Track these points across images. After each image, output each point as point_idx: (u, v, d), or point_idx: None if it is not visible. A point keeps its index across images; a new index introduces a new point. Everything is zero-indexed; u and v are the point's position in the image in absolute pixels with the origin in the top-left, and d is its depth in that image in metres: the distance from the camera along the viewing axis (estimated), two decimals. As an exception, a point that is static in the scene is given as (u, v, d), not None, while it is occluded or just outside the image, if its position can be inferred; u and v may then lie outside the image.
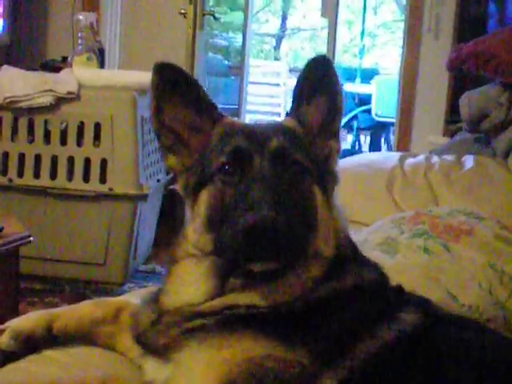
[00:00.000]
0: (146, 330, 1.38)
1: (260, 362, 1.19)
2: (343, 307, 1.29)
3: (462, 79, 4.91)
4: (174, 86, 1.40)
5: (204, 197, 1.34)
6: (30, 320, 1.51)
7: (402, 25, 9.62)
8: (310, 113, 1.40)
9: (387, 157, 3.13)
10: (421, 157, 2.99)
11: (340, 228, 1.39)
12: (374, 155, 4.32)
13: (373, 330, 1.27)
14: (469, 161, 2.86)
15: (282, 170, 1.29)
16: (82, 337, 1.53)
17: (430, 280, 1.83)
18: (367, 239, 2.07)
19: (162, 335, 1.32)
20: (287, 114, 1.45)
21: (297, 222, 1.24)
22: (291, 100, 1.44)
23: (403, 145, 5.58)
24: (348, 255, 1.38)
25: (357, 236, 2.08)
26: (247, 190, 1.24)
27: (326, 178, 1.38)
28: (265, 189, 1.23)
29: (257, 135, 1.34)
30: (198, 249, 1.36)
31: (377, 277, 1.40)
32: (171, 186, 1.49)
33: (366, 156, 4.22)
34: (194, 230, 1.36)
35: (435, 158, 2.94)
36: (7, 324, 1.51)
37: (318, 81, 1.37)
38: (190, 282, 1.35)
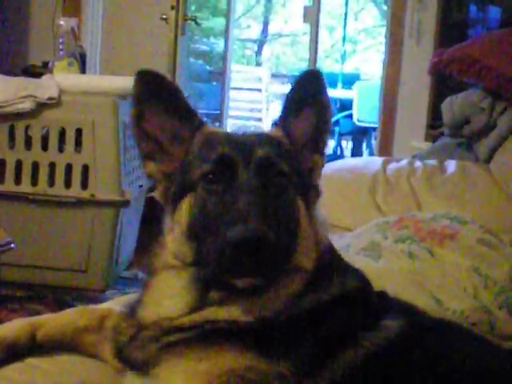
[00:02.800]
0: (125, 344, 1.36)
1: (241, 374, 1.18)
2: (325, 318, 1.28)
3: (443, 84, 4.93)
4: (155, 93, 1.38)
5: (185, 205, 1.31)
6: (13, 328, 1.49)
7: (383, 30, 9.67)
8: (298, 125, 1.40)
9: (370, 161, 3.13)
10: (403, 161, 2.99)
11: (321, 239, 1.37)
12: (357, 160, 4.32)
13: (355, 340, 1.25)
14: (451, 165, 2.87)
15: (267, 180, 1.27)
16: (66, 345, 1.51)
17: (415, 285, 1.83)
18: (351, 244, 2.07)
19: (140, 351, 1.30)
20: (274, 124, 1.43)
21: (281, 235, 1.22)
22: (280, 110, 1.43)
23: (385, 150, 5.60)
24: (330, 265, 1.36)
25: (340, 241, 2.09)
26: (232, 200, 1.21)
27: (309, 191, 1.37)
28: (251, 200, 1.20)
29: (242, 144, 1.32)
30: (177, 259, 1.33)
31: (359, 285, 1.38)
32: (150, 194, 1.46)
33: (349, 161, 4.23)
34: (174, 239, 1.33)
35: (418, 163, 2.95)
36: (-12, 332, 1.49)
37: (308, 94, 1.38)
38: (169, 295, 1.32)
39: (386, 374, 1.23)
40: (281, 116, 1.42)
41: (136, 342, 1.32)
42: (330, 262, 1.37)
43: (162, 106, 1.39)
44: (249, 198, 1.20)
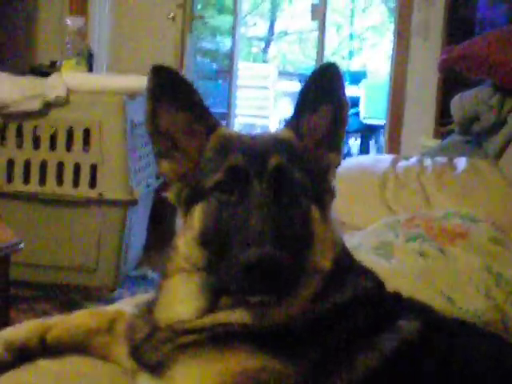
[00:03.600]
0: (140, 345, 1.35)
1: (254, 375, 1.17)
2: (340, 320, 1.26)
3: (451, 81, 4.91)
4: (170, 89, 1.35)
5: (198, 213, 1.28)
6: (23, 330, 1.49)
7: (390, 27, 9.64)
8: (313, 123, 1.34)
9: (379, 160, 3.11)
10: (413, 159, 2.98)
11: (336, 239, 1.34)
12: (366, 158, 4.32)
13: (371, 341, 1.24)
14: (461, 163, 2.85)
15: (281, 191, 1.24)
16: (76, 347, 1.50)
17: (427, 284, 1.81)
18: (362, 243, 2.05)
19: (154, 352, 1.29)
20: (286, 124, 1.38)
21: (294, 250, 1.20)
22: (293, 107, 1.38)
23: (393, 148, 5.58)
24: (345, 266, 1.34)
25: (351, 240, 2.07)
26: (246, 213, 1.19)
27: (324, 193, 1.33)
28: (265, 217, 1.17)
29: (255, 152, 1.28)
30: (189, 263, 1.31)
31: (373, 286, 1.37)
32: (163, 194, 1.44)
33: (358, 159, 4.21)
34: (186, 243, 1.31)
35: (427, 161, 2.93)
36: (-1, 334, 1.49)
37: (324, 90, 1.32)
38: (181, 299, 1.30)
39: (402, 375, 1.22)
40: (294, 114, 1.36)
41: (150, 342, 1.31)
42: (346, 263, 1.35)
43: (176, 102, 1.36)
44: (263, 215, 1.17)
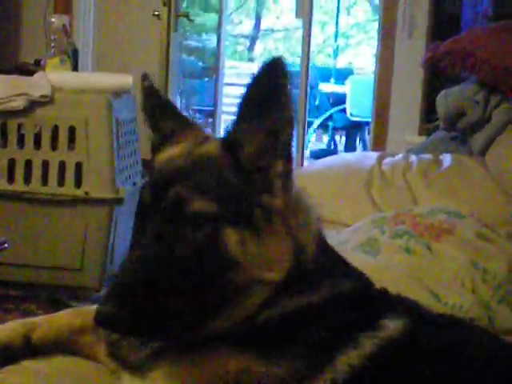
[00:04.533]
0: (118, 343, 1.34)
1: (236, 377, 1.16)
2: (318, 319, 1.24)
3: (437, 78, 4.92)
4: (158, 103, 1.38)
5: None
6: (7, 330, 1.47)
7: (375, 25, 9.66)
8: (252, 130, 1.22)
9: (365, 156, 3.12)
10: (399, 156, 2.98)
11: (304, 243, 1.28)
12: (352, 155, 4.32)
13: (353, 341, 1.22)
14: (447, 159, 2.86)
15: (173, 227, 1.18)
16: (62, 346, 1.49)
17: (413, 280, 1.82)
18: (348, 240, 2.06)
19: (134, 353, 1.28)
20: (226, 133, 1.28)
21: (193, 281, 1.16)
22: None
23: (379, 144, 5.59)
24: (319, 268, 1.29)
25: (337, 237, 2.08)
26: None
27: (265, 207, 1.23)
28: (128, 268, 1.17)
29: (162, 181, 1.23)
30: None
31: (355, 284, 1.34)
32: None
33: (344, 156, 4.23)
34: None
35: (413, 157, 2.94)
36: (-17, 334, 1.48)
37: (265, 89, 1.20)
38: None
39: (390, 373, 1.22)
40: (233, 123, 1.26)
41: (128, 342, 1.30)
42: (321, 264, 1.30)
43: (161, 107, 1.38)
44: (129, 263, 1.18)
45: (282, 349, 1.19)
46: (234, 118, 1.25)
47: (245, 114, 1.23)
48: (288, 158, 1.25)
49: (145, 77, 1.38)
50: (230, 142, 1.24)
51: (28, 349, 1.48)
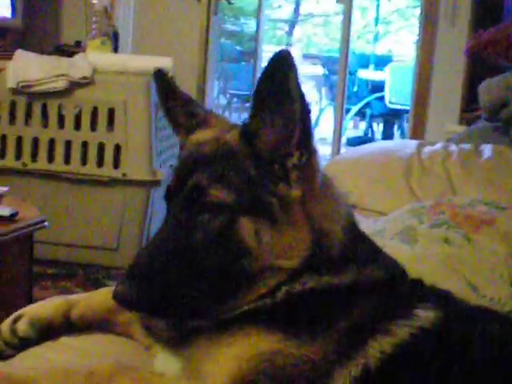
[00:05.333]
0: (154, 320, 1.37)
1: (269, 358, 1.17)
2: (346, 303, 1.26)
3: (478, 66, 4.85)
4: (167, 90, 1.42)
5: None
6: (47, 307, 1.50)
7: (416, 11, 9.54)
8: (267, 122, 1.24)
9: (404, 144, 3.09)
10: (438, 145, 2.94)
11: (328, 230, 1.30)
12: (391, 143, 4.29)
13: (385, 327, 1.23)
14: (487, 150, 2.81)
15: (191, 214, 1.23)
16: (100, 324, 1.52)
17: (450, 271, 1.80)
18: (385, 228, 2.04)
19: (168, 328, 1.31)
20: (243, 125, 1.30)
21: (190, 276, 1.20)
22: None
23: (417, 133, 5.54)
24: (346, 254, 1.31)
25: (375, 225, 2.07)
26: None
27: (282, 198, 1.26)
28: (146, 251, 1.23)
29: (185, 168, 1.29)
30: None
31: (388, 273, 1.35)
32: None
33: (383, 143, 4.19)
34: None
35: (453, 147, 2.90)
36: (24, 310, 1.51)
37: (274, 82, 1.20)
38: None
39: (420, 363, 1.21)
40: (249, 113, 1.28)
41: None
42: (346, 250, 1.31)
43: (178, 103, 1.41)
44: (148, 247, 1.24)
45: (312, 331, 1.20)
46: (250, 109, 1.28)
47: (259, 106, 1.25)
48: (306, 150, 1.26)
49: (159, 74, 1.42)
50: (248, 133, 1.27)
51: (66, 326, 1.51)
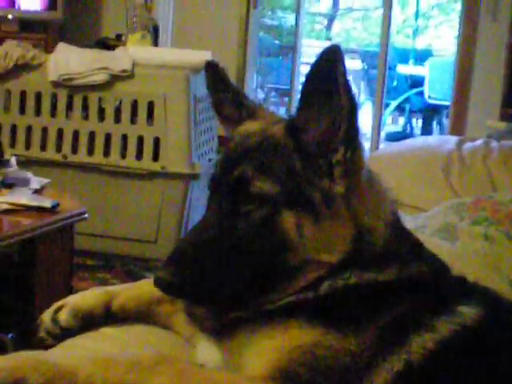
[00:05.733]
0: (197, 308, 1.37)
1: (310, 350, 1.17)
2: (389, 298, 1.25)
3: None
4: (218, 81, 1.42)
5: None
6: (89, 297, 1.51)
7: (456, 6, 9.43)
8: (313, 116, 1.24)
9: (445, 140, 3.06)
10: (479, 141, 2.91)
11: (372, 226, 1.29)
12: (432, 138, 4.25)
13: (428, 323, 1.22)
14: (529, 147, 2.78)
15: (235, 204, 1.23)
16: (140, 316, 1.53)
17: (491, 268, 1.79)
18: (426, 225, 2.03)
19: (211, 318, 1.31)
20: (289, 119, 1.30)
21: (231, 266, 1.21)
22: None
23: (457, 129, 5.49)
24: (389, 250, 1.30)
25: (414, 222, 2.06)
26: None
27: (325, 192, 1.26)
28: (189, 238, 1.25)
29: (231, 158, 1.29)
30: None
31: (431, 269, 1.33)
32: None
33: (423, 139, 4.15)
34: None
35: (494, 143, 2.87)
36: (65, 300, 1.52)
37: (323, 76, 1.20)
38: None
39: (463, 360, 1.20)
40: (297, 107, 1.28)
41: (207, 308, 1.34)
42: (389, 246, 1.30)
43: (228, 94, 1.41)
44: (191, 234, 1.25)
45: (354, 324, 1.20)
46: (297, 103, 1.28)
47: (307, 101, 1.25)
48: (352, 146, 1.26)
49: (211, 65, 1.42)
50: (294, 127, 1.27)
51: (107, 316, 1.52)
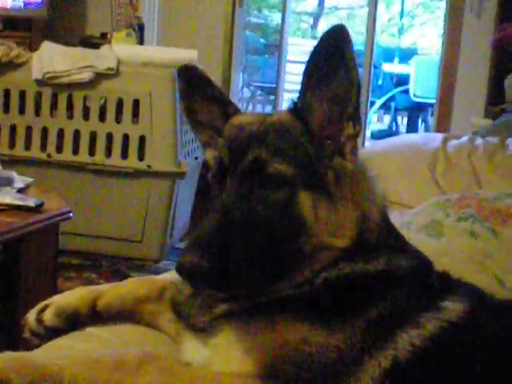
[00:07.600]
0: (185, 304, 1.37)
1: (296, 347, 1.17)
2: (376, 292, 1.25)
3: (504, 60, 4.81)
4: (197, 86, 1.42)
5: None
6: (74, 297, 1.50)
7: (441, 4, 9.46)
8: (320, 97, 1.26)
9: (430, 138, 3.06)
10: (464, 138, 2.92)
11: (368, 212, 1.31)
12: (417, 136, 4.26)
13: (414, 319, 1.22)
14: (513, 143, 2.79)
15: (252, 187, 1.23)
16: (125, 315, 1.52)
17: (476, 264, 1.79)
18: (411, 222, 2.03)
19: (199, 314, 1.31)
20: (293, 103, 1.32)
21: (251, 249, 1.19)
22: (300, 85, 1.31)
23: (442, 126, 5.50)
24: (380, 241, 1.31)
25: (400, 218, 2.06)
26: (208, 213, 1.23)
27: (335, 173, 1.28)
28: (212, 220, 1.20)
29: (238, 145, 1.28)
30: None
31: (416, 264, 1.34)
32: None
33: (408, 136, 4.17)
34: None
35: (479, 140, 2.88)
36: (50, 300, 1.51)
37: (331, 55, 1.22)
38: None
39: (446, 357, 1.20)
40: (299, 92, 1.30)
41: (196, 302, 1.34)
42: (381, 239, 1.32)
43: (205, 96, 1.42)
44: (211, 219, 1.20)
45: (341, 319, 1.20)
46: (300, 86, 1.29)
47: (311, 82, 1.26)
48: (359, 120, 1.28)
49: (187, 69, 1.43)
50: (300, 109, 1.29)
51: (92, 316, 1.51)
